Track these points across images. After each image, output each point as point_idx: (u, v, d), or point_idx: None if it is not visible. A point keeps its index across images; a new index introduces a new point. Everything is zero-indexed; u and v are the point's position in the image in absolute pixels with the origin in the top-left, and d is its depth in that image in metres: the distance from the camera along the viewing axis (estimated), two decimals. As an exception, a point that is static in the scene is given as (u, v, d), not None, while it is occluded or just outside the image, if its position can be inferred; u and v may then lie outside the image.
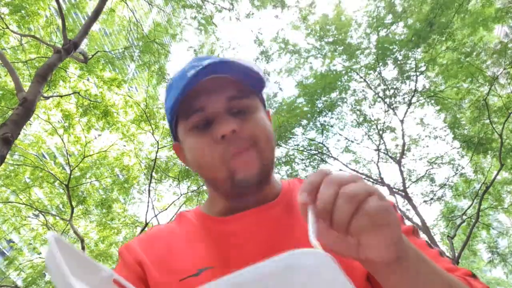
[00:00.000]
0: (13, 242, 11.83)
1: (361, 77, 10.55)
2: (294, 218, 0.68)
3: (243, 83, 0.67)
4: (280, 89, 11.77)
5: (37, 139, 9.54)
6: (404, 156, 10.25)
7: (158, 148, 9.40)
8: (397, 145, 10.74)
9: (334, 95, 10.66)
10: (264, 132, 0.67)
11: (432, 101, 10.33)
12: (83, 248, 8.61)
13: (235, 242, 0.67)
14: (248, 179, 0.64)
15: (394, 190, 9.95)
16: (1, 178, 9.27)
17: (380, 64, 9.95)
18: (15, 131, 4.31)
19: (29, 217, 10.58)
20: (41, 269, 10.89)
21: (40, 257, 11.30)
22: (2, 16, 7.52)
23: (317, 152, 10.74)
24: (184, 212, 0.80)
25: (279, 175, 10.28)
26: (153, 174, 9.57)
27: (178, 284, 0.62)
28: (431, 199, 10.29)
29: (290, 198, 0.72)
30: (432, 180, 10.45)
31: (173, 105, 0.66)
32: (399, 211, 0.72)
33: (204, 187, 10.06)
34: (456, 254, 8.65)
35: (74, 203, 9.14)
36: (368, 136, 10.89)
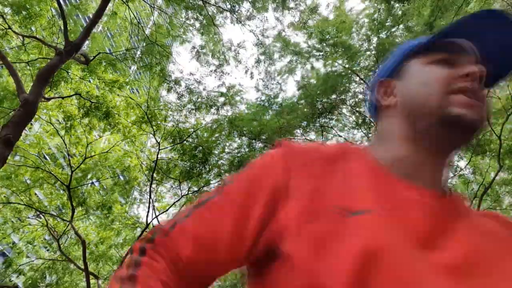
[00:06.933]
0: (14, 243, 11.83)
1: (361, 79, 10.57)
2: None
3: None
4: (282, 90, 11.80)
5: (38, 140, 9.55)
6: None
7: (159, 149, 9.43)
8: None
9: (333, 96, 10.68)
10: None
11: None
12: (84, 249, 8.61)
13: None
14: (466, 117, 0.58)
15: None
16: (3, 179, 9.29)
17: (380, 65, 9.94)
18: (16, 132, 4.35)
19: (29, 217, 10.59)
20: (42, 271, 10.90)
21: (40, 258, 11.30)
22: (5, 16, 7.56)
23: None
24: (349, 147, 0.68)
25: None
26: (154, 175, 9.60)
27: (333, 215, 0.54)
28: (431, 200, 10.27)
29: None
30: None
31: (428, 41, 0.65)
32: None
33: (205, 188, 10.08)
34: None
35: (74, 204, 9.16)
36: (368, 137, 10.90)
